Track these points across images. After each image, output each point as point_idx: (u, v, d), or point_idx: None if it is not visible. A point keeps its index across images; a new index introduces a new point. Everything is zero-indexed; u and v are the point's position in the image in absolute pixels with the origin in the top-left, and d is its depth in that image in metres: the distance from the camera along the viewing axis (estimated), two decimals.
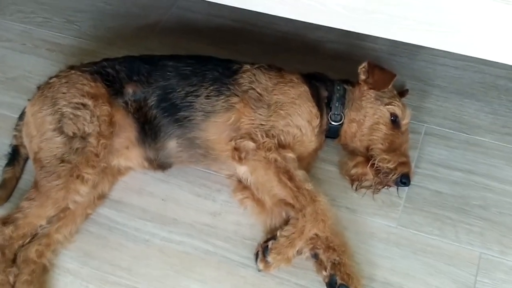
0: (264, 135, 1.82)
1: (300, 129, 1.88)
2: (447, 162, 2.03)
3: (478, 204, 1.91)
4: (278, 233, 1.74)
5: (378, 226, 1.86)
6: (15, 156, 1.98)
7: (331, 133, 2.01)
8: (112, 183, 1.98)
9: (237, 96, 1.89)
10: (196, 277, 1.74)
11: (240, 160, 1.82)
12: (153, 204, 1.93)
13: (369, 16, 1.75)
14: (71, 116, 1.82)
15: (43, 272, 1.74)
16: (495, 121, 2.16)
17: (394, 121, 1.95)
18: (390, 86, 1.99)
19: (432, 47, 1.77)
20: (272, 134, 1.83)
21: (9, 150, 1.98)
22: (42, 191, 1.75)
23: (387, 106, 1.95)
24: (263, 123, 1.85)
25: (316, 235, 1.73)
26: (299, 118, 1.88)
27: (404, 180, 1.87)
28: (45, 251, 1.76)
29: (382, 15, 1.73)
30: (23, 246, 1.75)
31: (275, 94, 1.90)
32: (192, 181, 1.99)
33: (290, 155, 1.80)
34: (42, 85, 1.94)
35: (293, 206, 1.76)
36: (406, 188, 1.93)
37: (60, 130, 1.80)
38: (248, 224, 1.86)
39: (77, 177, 1.76)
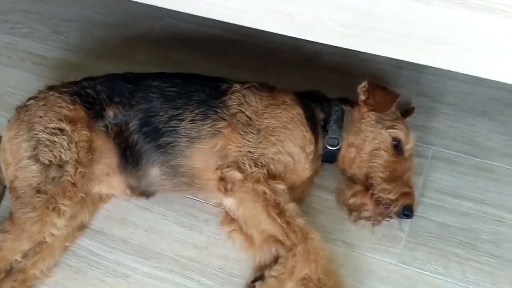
0: (252, 164, 1.67)
1: (293, 156, 1.72)
2: (456, 190, 1.86)
3: (489, 239, 1.74)
4: (266, 273, 1.60)
5: (377, 263, 1.70)
6: None
7: (328, 157, 1.85)
8: (93, 211, 1.85)
9: (225, 120, 1.74)
10: None
11: (226, 191, 1.67)
12: (136, 235, 1.79)
13: (366, 33, 1.60)
14: (47, 142, 1.69)
15: None
16: (510, 143, 1.98)
17: (397, 146, 1.79)
18: (393, 107, 1.82)
19: (439, 67, 1.61)
20: (262, 163, 1.68)
21: None
22: (17, 224, 1.62)
23: (389, 130, 1.79)
24: (251, 150, 1.70)
25: (308, 275, 1.58)
26: (291, 145, 1.72)
27: (407, 212, 1.71)
28: None
29: (381, 32, 1.58)
30: None
31: (265, 118, 1.75)
32: (178, 210, 1.85)
33: (281, 186, 1.65)
34: (20, 107, 1.81)
35: (283, 243, 1.60)
36: (409, 220, 1.76)
37: (35, 158, 1.67)
38: (236, 259, 1.72)
39: (53, 209, 1.63)
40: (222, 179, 1.68)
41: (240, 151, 1.70)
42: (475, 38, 1.49)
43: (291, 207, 1.63)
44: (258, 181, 1.64)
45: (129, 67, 2.28)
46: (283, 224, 1.60)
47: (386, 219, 1.76)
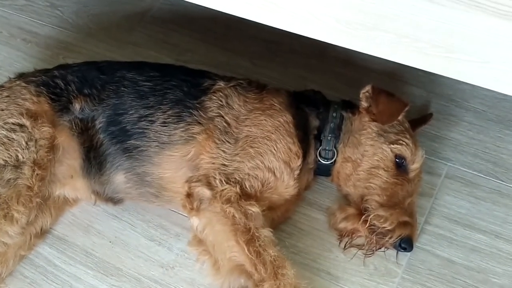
0: (224, 181, 1.45)
1: (274, 172, 1.49)
2: (468, 218, 1.60)
3: (501, 283, 1.47)
4: None
5: None
6: None
7: (322, 172, 1.62)
8: (57, 215, 1.69)
9: (200, 124, 1.53)
10: None
11: (192, 210, 1.47)
12: (99, 246, 1.63)
13: (370, 33, 1.38)
14: (5, 140, 1.52)
15: None
16: None
17: (400, 165, 1.53)
18: (399, 118, 1.56)
19: (451, 76, 1.35)
20: (235, 179, 1.46)
21: None
22: None
23: (392, 145, 1.53)
24: (226, 163, 1.48)
25: None
26: (272, 159, 1.49)
27: (404, 245, 1.47)
28: None
29: (387, 33, 1.34)
30: None
31: (246, 126, 1.53)
32: (149, 220, 1.66)
33: (253, 209, 1.43)
34: None
35: (251, 276, 1.39)
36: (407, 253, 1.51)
37: None
38: (203, 285, 1.53)
39: (5, 216, 1.46)
40: (189, 195, 1.47)
41: (213, 163, 1.49)
42: (493, 48, 1.23)
43: (264, 234, 1.41)
44: (228, 201, 1.43)
45: (122, 49, 2.12)
46: (251, 255, 1.38)
47: (381, 249, 1.51)
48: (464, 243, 1.55)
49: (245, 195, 1.45)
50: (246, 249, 1.38)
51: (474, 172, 1.68)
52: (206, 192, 1.45)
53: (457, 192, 1.64)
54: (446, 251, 1.54)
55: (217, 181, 1.45)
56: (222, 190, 1.44)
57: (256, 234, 1.40)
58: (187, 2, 2.24)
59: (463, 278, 1.49)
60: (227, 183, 1.45)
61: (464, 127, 1.79)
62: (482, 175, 1.67)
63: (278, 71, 1.98)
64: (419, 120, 1.74)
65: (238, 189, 1.45)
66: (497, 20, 1.19)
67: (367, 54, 1.99)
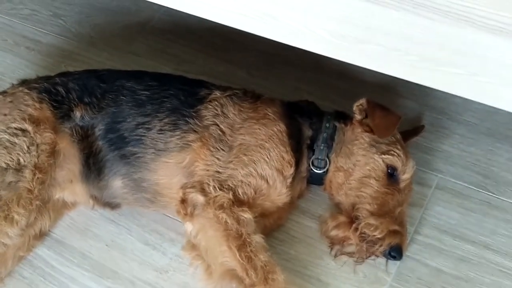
0: (217, 187, 1.48)
1: (267, 179, 1.52)
2: (458, 229, 1.62)
3: None
4: None
5: None
6: None
7: (314, 180, 1.65)
8: (56, 218, 1.72)
9: (196, 132, 1.56)
10: None
11: (185, 215, 1.50)
12: (96, 249, 1.65)
13: (361, 46, 1.40)
14: (7, 144, 1.56)
15: None
16: None
17: (391, 175, 1.56)
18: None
19: (440, 89, 1.39)
20: (228, 186, 1.49)
21: None
22: None
23: (384, 156, 1.56)
24: (220, 170, 1.52)
25: None
26: (265, 166, 1.52)
27: (394, 254, 1.50)
28: None
29: (378, 46, 1.37)
30: None
31: (240, 134, 1.56)
32: (144, 225, 1.69)
33: (245, 215, 1.46)
34: None
35: (242, 281, 1.42)
36: (397, 261, 1.54)
37: None
38: None
39: (5, 217, 1.49)
40: (183, 201, 1.51)
41: (207, 170, 1.52)
42: (481, 61, 1.26)
43: (255, 239, 1.44)
44: (221, 207, 1.46)
45: (123, 58, 2.16)
46: (242, 260, 1.41)
47: (371, 257, 1.54)
48: (453, 253, 1.57)
49: (238, 202, 1.48)
50: (237, 254, 1.41)
51: (465, 184, 1.70)
52: (199, 198, 1.48)
53: (447, 203, 1.67)
54: (435, 261, 1.56)
55: (211, 188, 1.48)
56: (216, 196, 1.47)
57: (248, 239, 1.43)
58: (187, 14, 2.30)
59: (451, 287, 1.51)
60: (220, 189, 1.48)
61: (456, 139, 1.82)
62: (472, 187, 1.70)
63: (275, 82, 2.02)
64: (411, 131, 1.77)
65: (231, 196, 1.48)
66: (485, 35, 1.22)
67: (362, 68, 2.04)
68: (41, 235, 1.69)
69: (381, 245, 1.49)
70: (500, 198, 1.67)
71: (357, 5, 1.31)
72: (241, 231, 1.44)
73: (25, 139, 1.56)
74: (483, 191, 1.69)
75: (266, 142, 1.55)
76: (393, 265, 1.55)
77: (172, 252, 1.63)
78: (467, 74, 1.31)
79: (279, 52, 2.10)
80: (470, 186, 1.70)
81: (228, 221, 1.44)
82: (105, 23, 2.31)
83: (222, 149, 1.54)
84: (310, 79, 2.02)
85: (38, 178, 1.53)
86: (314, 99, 1.75)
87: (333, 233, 1.57)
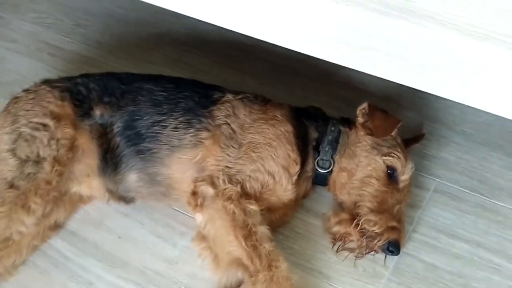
0: (226, 181, 1.58)
1: (273, 175, 1.62)
2: (453, 229, 1.70)
3: (480, 287, 1.57)
4: None
5: None
6: None
7: (319, 180, 1.75)
8: (71, 211, 1.81)
9: (208, 131, 1.66)
10: None
11: (196, 206, 1.59)
12: (108, 241, 1.74)
13: (364, 52, 1.50)
14: (28, 137, 1.65)
15: None
16: None
17: (391, 175, 1.65)
18: (393, 133, 1.69)
19: (432, 92, 1.48)
20: (237, 180, 1.59)
21: None
22: None
23: (384, 157, 1.66)
24: (229, 165, 1.62)
25: None
26: (272, 163, 1.62)
27: (392, 248, 1.58)
28: None
29: (379, 53, 1.47)
30: None
31: (250, 133, 1.66)
32: (157, 219, 1.78)
33: (252, 207, 1.55)
34: (11, 99, 1.80)
35: (247, 268, 1.51)
36: (395, 256, 1.62)
37: (13, 152, 1.63)
38: (203, 279, 1.63)
39: (23, 206, 1.59)
40: (194, 193, 1.60)
41: (218, 165, 1.62)
42: (469, 67, 1.36)
43: (260, 230, 1.53)
44: (229, 199, 1.55)
45: (141, 66, 2.27)
46: (248, 248, 1.50)
47: (371, 253, 1.63)
48: (448, 250, 1.66)
49: (245, 195, 1.58)
50: (243, 243, 1.50)
51: (461, 188, 1.80)
52: (209, 190, 1.58)
53: (444, 205, 1.76)
54: (431, 257, 1.65)
55: (220, 181, 1.58)
56: (225, 189, 1.57)
57: (254, 229, 1.52)
58: (203, 27, 2.43)
59: (445, 282, 1.59)
60: (229, 182, 1.58)
61: (453, 147, 1.91)
62: (467, 191, 1.79)
63: (283, 91, 2.13)
64: (412, 139, 1.86)
65: (239, 189, 1.58)
66: (472, 41, 1.32)
67: (367, 79, 2.15)
68: (56, 227, 1.77)
69: (379, 240, 1.58)
70: (493, 202, 1.76)
71: (360, 14, 1.42)
72: (247, 221, 1.53)
73: (45, 133, 1.65)
74: (477, 195, 1.78)
75: (273, 141, 1.65)
76: (391, 260, 1.64)
77: (182, 245, 1.72)
78: (455, 79, 1.41)
79: (288, 64, 2.22)
80: (465, 190, 1.79)
81: (236, 211, 1.53)
82: (125, 34, 2.44)
83: (232, 146, 1.64)
84: (317, 89, 2.13)
85: (56, 170, 1.63)
86: (321, 107, 1.85)
87: (335, 229, 1.66)
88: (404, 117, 1.99)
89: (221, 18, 1.68)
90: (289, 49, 2.20)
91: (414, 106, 2.04)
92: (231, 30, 2.41)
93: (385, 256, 1.62)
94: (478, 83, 1.38)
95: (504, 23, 1.26)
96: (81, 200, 1.82)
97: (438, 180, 1.82)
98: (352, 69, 2.14)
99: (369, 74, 2.17)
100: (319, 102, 2.06)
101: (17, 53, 2.38)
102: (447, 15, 1.31)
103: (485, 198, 1.77)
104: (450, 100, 2.01)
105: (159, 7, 1.67)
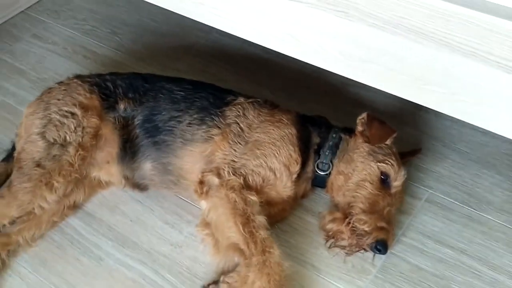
0: (231, 172, 1.73)
1: (274, 172, 1.77)
2: (439, 235, 1.81)
3: None
4: (221, 278, 1.65)
5: None
6: (13, 153, 2.04)
7: (318, 182, 1.88)
8: (90, 194, 1.98)
9: (219, 128, 1.82)
10: None
11: (201, 194, 1.75)
12: (121, 223, 1.90)
13: (365, 65, 1.63)
14: (57, 123, 1.84)
15: None
16: (510, 199, 1.90)
17: (384, 181, 1.78)
18: (389, 143, 1.83)
19: (425, 105, 1.59)
20: (241, 173, 1.74)
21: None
22: (12, 191, 1.77)
23: (379, 163, 1.78)
24: (235, 159, 1.77)
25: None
26: (274, 161, 1.77)
27: (379, 247, 1.69)
28: (0, 250, 1.79)
29: (378, 66, 1.60)
30: None
31: (256, 132, 1.81)
32: (166, 207, 1.94)
33: (253, 197, 1.70)
34: (45, 89, 1.99)
35: (243, 252, 1.65)
36: (383, 256, 1.74)
37: (43, 135, 1.82)
38: (204, 262, 1.78)
39: (46, 184, 1.76)
40: (201, 182, 1.76)
41: (225, 159, 1.77)
42: (460, 83, 1.47)
43: (258, 219, 1.67)
44: (232, 188, 1.70)
45: (167, 73, 2.40)
46: (245, 234, 1.64)
47: (360, 251, 1.75)
48: (433, 255, 1.76)
49: (247, 187, 1.72)
50: (241, 229, 1.64)
51: (451, 200, 1.90)
52: (215, 180, 1.73)
53: (434, 214, 1.87)
54: (417, 260, 1.75)
55: (226, 172, 1.73)
56: (229, 179, 1.72)
57: (252, 218, 1.66)
58: (227, 41, 2.62)
59: (427, 282, 1.70)
60: (233, 174, 1.73)
61: (448, 163, 2.02)
62: (457, 203, 1.89)
63: (295, 103, 2.26)
64: (408, 152, 1.99)
65: (242, 181, 1.72)
66: (462, 58, 1.44)
67: (374, 98, 2.29)
68: (75, 207, 1.95)
69: (368, 238, 1.70)
70: (480, 214, 1.86)
71: (361, 28, 1.56)
72: (246, 210, 1.67)
73: (73, 120, 1.83)
74: (466, 207, 1.88)
75: (277, 141, 1.79)
76: (379, 259, 1.75)
77: (188, 231, 1.86)
78: (448, 93, 1.53)
79: (302, 79, 2.37)
80: (455, 202, 1.90)
81: (237, 200, 1.67)
82: (155, 43, 2.63)
83: (239, 143, 1.79)
84: (327, 103, 2.27)
85: (79, 154, 1.80)
86: (329, 119, 1.99)
87: (329, 226, 1.79)
88: (406, 133, 2.13)
89: (240, 29, 1.82)
90: (303, 65, 2.36)
91: (416, 124, 2.17)
92: (251, 45, 2.59)
93: (374, 255, 1.74)
94: (469, 98, 1.49)
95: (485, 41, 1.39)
96: (100, 185, 1.98)
97: (431, 191, 1.94)
98: (362, 87, 2.31)
99: (376, 93, 2.32)
100: (328, 115, 2.20)
101: (55, 54, 2.60)
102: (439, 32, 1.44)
103: (473, 210, 1.87)
104: (450, 120, 2.17)
105: (188, 21, 1.82)
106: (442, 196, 1.92)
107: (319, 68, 2.20)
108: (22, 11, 2.88)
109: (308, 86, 2.36)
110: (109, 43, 2.65)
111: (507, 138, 1.98)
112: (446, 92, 1.53)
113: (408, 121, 2.19)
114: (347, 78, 2.05)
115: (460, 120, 2.10)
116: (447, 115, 2.13)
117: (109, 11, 2.85)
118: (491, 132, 1.99)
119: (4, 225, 1.79)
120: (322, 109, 2.24)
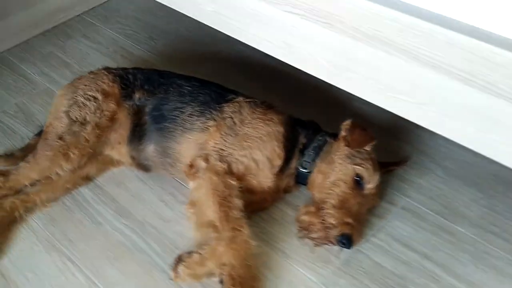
0: (218, 159, 1.92)
1: (257, 163, 1.94)
2: (407, 240, 1.92)
3: None
4: (195, 250, 1.82)
5: (301, 277, 1.83)
6: None
7: (301, 179, 2.03)
8: (102, 170, 2.22)
9: (215, 120, 2.02)
10: (119, 266, 1.89)
11: (189, 175, 1.94)
12: (123, 197, 2.13)
13: (347, 73, 1.77)
14: (81, 104, 2.10)
15: (11, 221, 2.03)
16: (486, 216, 1.97)
17: (358, 182, 1.91)
18: (368, 149, 1.96)
19: (395, 112, 1.70)
20: (227, 160, 1.92)
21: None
22: (36, 158, 2.04)
23: (355, 166, 1.92)
24: (224, 148, 1.95)
25: (229, 262, 1.77)
26: (258, 153, 1.94)
27: (344, 241, 1.81)
28: (19, 206, 2.04)
29: (356, 74, 1.74)
30: (6, 196, 2.06)
31: (247, 127, 1.99)
32: (165, 188, 2.15)
33: (233, 182, 1.87)
34: (77, 77, 2.27)
35: (217, 228, 1.82)
36: (349, 251, 1.87)
37: (67, 113, 2.08)
38: (187, 237, 1.95)
39: (64, 154, 2.02)
40: (191, 165, 1.95)
41: (215, 147, 1.96)
42: (427, 93, 1.56)
43: (235, 201, 1.84)
44: (216, 173, 1.89)
45: (189, 74, 2.67)
46: (220, 212, 1.81)
47: (328, 243, 1.88)
48: (398, 256, 1.86)
49: (231, 173, 1.90)
50: (218, 208, 1.82)
51: (426, 210, 1.99)
52: (202, 164, 1.92)
53: (406, 220, 1.97)
54: (380, 258, 1.86)
55: (213, 158, 1.92)
56: (215, 164, 1.91)
57: (229, 199, 1.83)
58: (250, 52, 2.80)
59: (386, 280, 1.79)
60: (219, 161, 1.91)
61: (432, 177, 2.12)
62: (432, 213, 1.98)
63: (300, 112, 2.43)
64: (393, 162, 2.11)
65: (226, 167, 1.90)
66: (429, 70, 1.57)
67: (374, 113, 2.42)
68: (87, 179, 2.20)
69: (334, 231, 1.83)
70: (452, 225, 1.94)
71: (344, 40, 1.69)
72: (225, 192, 1.84)
73: (94, 103, 2.09)
74: (440, 217, 1.97)
75: (264, 136, 1.97)
76: (345, 253, 1.88)
77: (178, 210, 2.06)
78: (416, 102, 1.66)
79: (309, 89, 2.54)
80: (430, 212, 1.99)
81: (218, 182, 1.86)
82: (185, 49, 2.89)
83: (230, 135, 1.98)
84: (330, 115, 2.40)
85: (95, 132, 2.05)
86: (331, 130, 2.13)
87: (302, 218, 1.92)
88: (397, 148, 2.26)
89: (244, 35, 1.99)
90: (311, 78, 2.52)
91: (407, 139, 2.28)
92: (270, 57, 2.79)
93: (341, 249, 1.87)
94: (435, 108, 1.59)
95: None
96: (111, 162, 2.22)
97: (408, 200, 2.04)
98: (365, 103, 2.43)
99: (378, 108, 2.44)
100: (329, 126, 2.36)
101: (98, 52, 2.90)
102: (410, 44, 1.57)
103: (446, 221, 1.96)
104: (443, 139, 2.27)
105: (220, 34, 2.00)
106: (418, 205, 2.02)
107: (324, 83, 2.37)
108: (78, 15, 3.22)
109: (314, 98, 2.53)
110: (145, 46, 2.93)
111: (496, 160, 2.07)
112: (414, 101, 1.64)
113: (403, 136, 2.30)
114: (351, 94, 2.22)
115: (453, 142, 2.22)
116: (441, 136, 2.26)
117: (151, 20, 3.14)
118: (481, 154, 2.10)
119: (26, 186, 2.06)
120: (325, 120, 2.39)
